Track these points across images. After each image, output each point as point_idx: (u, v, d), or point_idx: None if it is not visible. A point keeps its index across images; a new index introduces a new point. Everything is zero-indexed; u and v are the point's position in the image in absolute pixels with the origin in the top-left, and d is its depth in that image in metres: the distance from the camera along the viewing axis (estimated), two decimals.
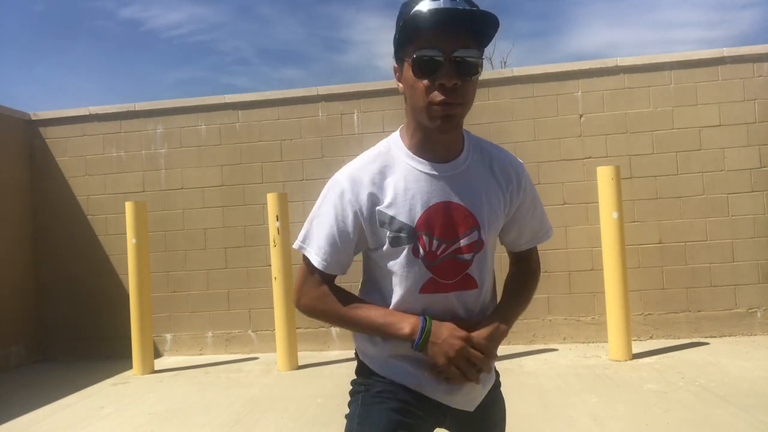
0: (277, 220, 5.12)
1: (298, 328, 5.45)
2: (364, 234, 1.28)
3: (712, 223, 5.44)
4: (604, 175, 4.82)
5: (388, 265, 1.28)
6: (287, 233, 5.18)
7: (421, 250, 1.24)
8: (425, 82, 1.17)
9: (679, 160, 5.49)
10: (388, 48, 1.30)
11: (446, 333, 1.21)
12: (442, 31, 1.15)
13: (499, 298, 1.41)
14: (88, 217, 6.24)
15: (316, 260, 1.29)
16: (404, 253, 1.25)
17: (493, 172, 1.32)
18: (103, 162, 6.25)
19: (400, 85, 1.26)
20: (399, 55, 1.24)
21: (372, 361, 1.34)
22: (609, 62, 5.61)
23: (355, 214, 1.26)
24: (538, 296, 5.52)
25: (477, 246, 1.27)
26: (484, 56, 1.24)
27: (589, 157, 5.57)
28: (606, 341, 5.12)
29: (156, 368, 5.46)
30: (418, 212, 1.24)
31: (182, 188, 6.11)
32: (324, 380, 4.74)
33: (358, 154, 1.34)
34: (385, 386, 1.31)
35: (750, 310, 5.39)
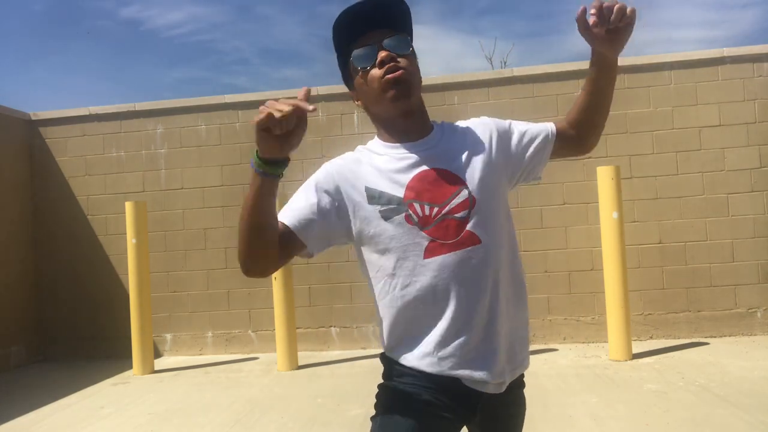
0: None
1: (298, 328, 5.46)
2: (344, 223, 1.31)
3: (712, 223, 5.44)
4: (604, 175, 4.82)
5: (386, 241, 1.28)
6: None
7: (414, 217, 1.27)
8: (369, 71, 1.29)
9: (679, 160, 5.49)
10: None
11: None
12: (366, 33, 1.29)
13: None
14: (88, 217, 6.24)
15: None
16: (399, 223, 1.27)
17: (469, 133, 1.39)
18: (103, 162, 6.25)
19: (358, 102, 1.39)
20: (345, 75, 1.38)
21: (397, 353, 1.33)
22: None
23: (336, 188, 1.33)
24: (538, 296, 5.51)
25: (470, 203, 1.28)
26: (411, 41, 1.35)
27: (589, 157, 5.55)
28: (606, 341, 5.11)
29: (156, 368, 5.45)
30: (404, 183, 1.29)
31: (182, 188, 6.11)
32: (324, 380, 4.74)
33: None
34: (408, 388, 1.31)
35: (750, 310, 5.38)
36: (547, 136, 1.45)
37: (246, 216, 1.24)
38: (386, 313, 1.34)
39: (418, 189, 1.28)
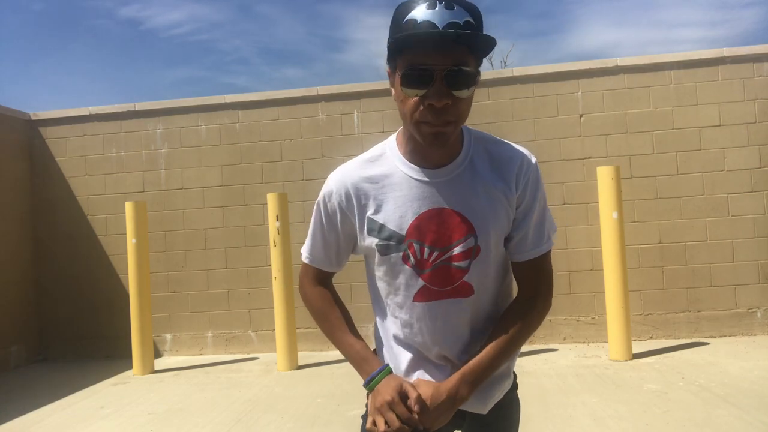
0: (277, 220, 5.12)
1: (298, 328, 5.46)
2: (355, 233, 1.30)
3: (712, 223, 5.44)
4: (604, 175, 4.82)
5: (381, 272, 1.28)
6: (287, 233, 5.18)
7: (412, 258, 1.22)
8: (415, 98, 1.11)
9: (679, 160, 5.49)
10: None
11: (383, 388, 1.23)
12: (432, 48, 1.08)
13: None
14: (88, 217, 6.24)
15: (304, 255, 1.39)
16: (394, 261, 1.24)
17: (494, 170, 1.24)
18: (103, 162, 6.25)
19: (394, 90, 1.19)
20: (391, 62, 1.17)
21: (383, 357, 1.37)
22: (609, 62, 5.61)
23: (344, 214, 1.28)
24: None
25: (473, 252, 1.22)
26: (479, 69, 1.16)
27: (589, 157, 5.57)
28: (606, 341, 5.12)
29: (156, 368, 5.46)
30: (409, 220, 1.21)
31: (182, 188, 6.11)
32: (324, 380, 4.74)
33: (358, 155, 1.35)
34: None
35: (750, 310, 5.38)
36: (516, 251, 1.30)
37: (332, 341, 1.39)
38: (376, 321, 1.40)
39: (422, 229, 1.21)
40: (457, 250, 1.22)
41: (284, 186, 5.83)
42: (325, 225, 1.32)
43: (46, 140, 6.34)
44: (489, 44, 1.10)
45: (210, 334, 6.02)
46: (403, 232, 1.21)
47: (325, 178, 1.36)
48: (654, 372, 4.38)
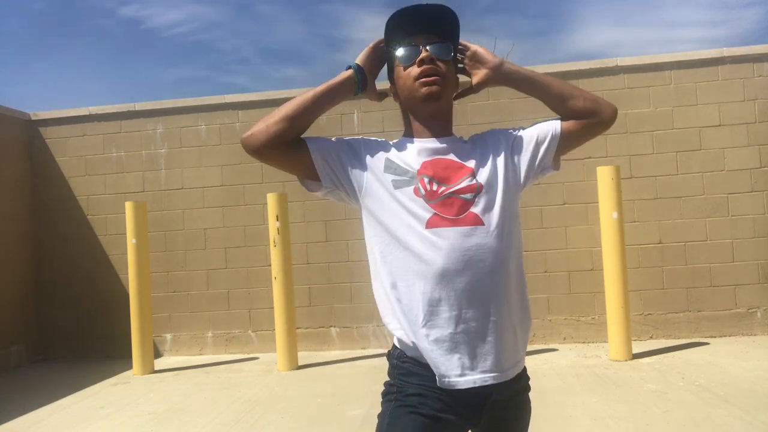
0: (277, 220, 5.12)
1: (298, 328, 5.46)
2: (351, 177, 1.43)
3: (712, 223, 5.44)
4: (604, 175, 4.82)
5: (393, 206, 1.38)
6: (287, 233, 5.18)
7: (422, 190, 1.37)
8: (409, 67, 1.42)
9: (679, 160, 5.49)
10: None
11: None
12: (415, 33, 1.43)
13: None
14: (88, 217, 6.24)
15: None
16: (407, 193, 1.38)
17: (480, 138, 1.53)
18: (103, 162, 6.25)
19: (396, 98, 1.52)
20: (389, 68, 1.51)
21: (407, 347, 1.35)
22: (609, 62, 5.61)
23: (359, 152, 1.46)
24: (538, 296, 5.51)
25: (477, 188, 1.38)
26: (455, 50, 1.48)
27: (589, 157, 5.56)
28: (606, 341, 5.12)
29: (156, 368, 5.46)
30: (420, 161, 1.42)
31: (182, 188, 6.11)
32: (324, 380, 4.74)
33: None
34: (418, 389, 1.33)
35: (750, 310, 5.39)
36: (553, 132, 1.53)
37: (303, 97, 1.49)
38: (383, 279, 1.38)
39: (431, 169, 1.40)
40: (461, 185, 1.39)
41: (284, 186, 5.82)
42: (337, 142, 1.48)
43: (46, 140, 6.34)
44: (453, 24, 1.44)
45: (210, 334, 6.02)
46: (415, 170, 1.40)
47: None
48: (654, 372, 4.38)
